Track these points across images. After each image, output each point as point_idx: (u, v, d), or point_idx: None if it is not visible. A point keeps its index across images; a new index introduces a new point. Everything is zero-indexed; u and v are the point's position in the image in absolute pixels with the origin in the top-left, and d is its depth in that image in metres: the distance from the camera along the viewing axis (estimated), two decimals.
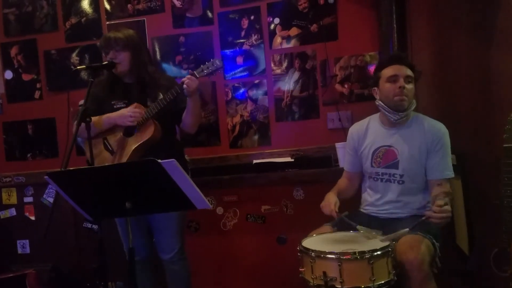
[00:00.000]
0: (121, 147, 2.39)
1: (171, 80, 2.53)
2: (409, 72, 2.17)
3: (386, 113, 2.21)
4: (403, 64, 2.18)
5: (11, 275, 3.05)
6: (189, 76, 2.29)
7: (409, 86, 2.16)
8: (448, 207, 1.90)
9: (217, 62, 2.31)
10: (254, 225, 3.08)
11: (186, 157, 2.92)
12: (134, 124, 2.33)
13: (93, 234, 3.21)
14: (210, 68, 2.31)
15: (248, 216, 3.08)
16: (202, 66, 2.33)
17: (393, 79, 2.16)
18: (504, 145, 1.89)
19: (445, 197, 2.03)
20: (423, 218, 1.94)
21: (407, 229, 1.96)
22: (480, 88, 2.45)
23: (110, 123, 2.38)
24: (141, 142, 2.33)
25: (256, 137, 3.14)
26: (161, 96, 2.33)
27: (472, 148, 2.49)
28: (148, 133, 2.33)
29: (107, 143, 2.42)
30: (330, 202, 2.14)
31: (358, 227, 2.06)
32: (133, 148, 2.34)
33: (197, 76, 2.30)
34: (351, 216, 2.36)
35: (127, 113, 2.32)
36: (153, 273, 2.62)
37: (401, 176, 2.21)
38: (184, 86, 2.27)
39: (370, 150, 2.29)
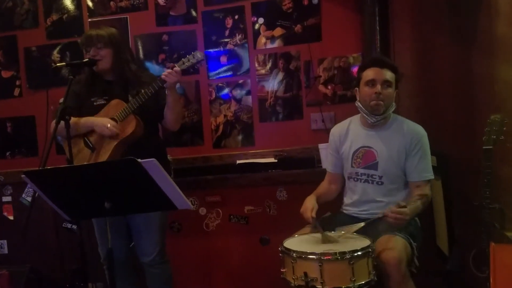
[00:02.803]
0: (102, 143, 2.35)
1: (153, 77, 2.50)
2: (388, 76, 2.17)
3: (364, 115, 2.24)
4: (384, 67, 2.18)
5: None
6: (169, 70, 2.26)
7: (387, 91, 2.17)
8: (405, 210, 1.92)
9: (198, 55, 2.30)
10: (237, 225, 3.06)
11: (169, 157, 2.89)
12: (107, 132, 2.29)
13: (73, 235, 3.15)
14: (191, 61, 2.30)
15: (231, 216, 3.07)
16: (183, 59, 2.32)
17: (371, 83, 2.17)
18: (484, 147, 1.91)
19: (417, 200, 2.08)
20: (379, 215, 1.97)
21: (363, 223, 2.04)
22: (461, 91, 2.48)
23: (87, 127, 2.35)
24: (123, 138, 2.30)
25: (239, 137, 3.13)
26: (142, 91, 2.30)
27: (453, 150, 2.52)
28: (129, 129, 2.29)
29: (87, 140, 2.38)
30: (307, 208, 2.15)
31: (323, 233, 2.07)
32: (115, 144, 2.30)
33: (179, 68, 2.27)
34: (332, 217, 2.37)
35: (108, 125, 2.27)
36: (132, 275, 2.58)
37: (380, 177, 2.22)
38: (164, 78, 2.25)
39: (351, 151, 2.30)
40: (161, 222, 2.45)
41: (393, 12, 2.86)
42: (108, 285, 1.97)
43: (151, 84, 2.28)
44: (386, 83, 2.17)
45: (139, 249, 2.45)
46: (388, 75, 2.17)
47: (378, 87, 2.15)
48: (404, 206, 1.94)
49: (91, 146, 2.36)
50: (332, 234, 2.07)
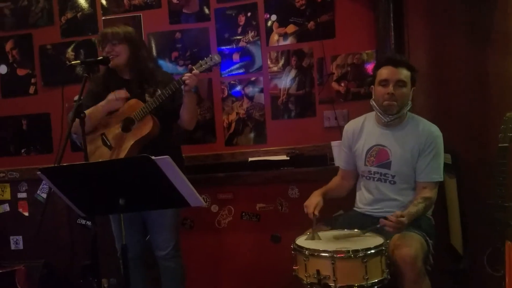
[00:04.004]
0: (119, 142, 2.38)
1: (168, 75, 2.52)
2: (402, 75, 2.14)
3: (378, 114, 2.23)
4: (398, 66, 2.15)
5: (0, 271, 3.02)
6: (189, 74, 2.28)
7: (401, 91, 2.14)
8: (403, 219, 1.90)
9: (216, 58, 2.31)
10: (248, 223, 3.07)
11: None
12: (120, 104, 2.35)
13: (87, 231, 3.19)
14: (208, 63, 2.32)
15: (243, 214, 3.08)
16: (200, 61, 2.33)
17: (384, 83, 2.15)
18: (499, 145, 1.89)
19: (419, 203, 2.06)
20: (378, 226, 1.96)
21: (358, 230, 2.03)
22: (476, 88, 2.45)
23: (104, 111, 2.39)
24: (140, 137, 2.33)
25: (251, 135, 3.13)
26: (159, 92, 2.33)
27: (467, 148, 2.49)
28: (146, 128, 2.33)
29: (105, 139, 2.42)
30: (312, 203, 2.14)
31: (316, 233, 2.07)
32: (131, 143, 2.33)
33: (198, 71, 2.30)
34: (345, 215, 2.37)
35: (111, 98, 2.34)
36: (146, 270, 2.61)
37: (393, 176, 2.21)
38: (187, 82, 2.26)
39: (364, 149, 2.29)
40: (175, 217, 2.49)
41: (407, 9, 2.83)
42: (122, 280, 1.98)
43: (168, 85, 2.30)
44: (399, 83, 2.14)
45: (154, 243, 2.49)
46: (403, 74, 2.14)
47: (391, 87, 2.13)
48: (402, 216, 1.92)
49: (108, 144, 2.40)
50: (325, 234, 2.08)
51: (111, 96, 2.36)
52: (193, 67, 2.31)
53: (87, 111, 2.22)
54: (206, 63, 2.31)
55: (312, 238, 2.03)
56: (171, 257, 2.48)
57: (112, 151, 2.39)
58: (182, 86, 2.30)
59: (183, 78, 2.28)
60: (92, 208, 1.89)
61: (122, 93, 2.36)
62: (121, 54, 2.37)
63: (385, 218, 1.91)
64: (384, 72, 2.16)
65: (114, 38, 2.36)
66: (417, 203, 2.07)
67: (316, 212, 2.09)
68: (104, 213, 2.37)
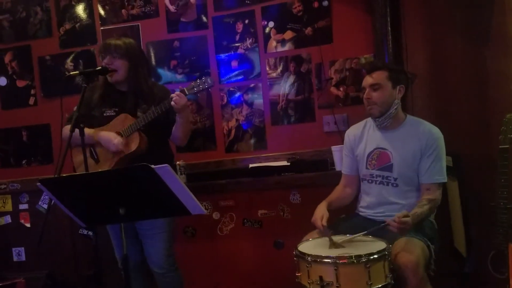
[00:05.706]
0: (106, 156, 2.38)
1: (165, 90, 2.48)
2: (374, 79, 2.20)
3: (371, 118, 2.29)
4: (372, 71, 2.23)
5: (0, 284, 3.01)
6: (177, 93, 2.26)
7: (376, 93, 2.19)
8: (407, 219, 1.89)
9: (209, 81, 2.30)
10: (251, 229, 3.06)
11: (182, 162, 2.91)
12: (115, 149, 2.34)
13: (89, 241, 3.18)
14: (201, 86, 2.30)
15: (245, 220, 3.07)
16: (193, 83, 2.32)
17: (363, 91, 2.25)
18: (500, 147, 1.88)
19: (424, 204, 2.06)
20: (383, 224, 1.95)
21: (365, 232, 1.99)
22: (475, 90, 2.45)
23: (94, 141, 2.38)
24: (125, 154, 2.32)
25: (252, 141, 3.13)
26: (152, 109, 2.30)
27: (468, 150, 2.48)
28: (133, 145, 2.32)
29: (92, 151, 2.41)
30: (317, 217, 2.15)
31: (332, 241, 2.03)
32: (116, 159, 2.34)
33: (187, 93, 2.28)
34: (347, 219, 2.36)
35: (114, 142, 2.31)
36: (146, 279, 2.59)
37: (395, 179, 2.21)
38: (172, 103, 2.24)
39: (365, 152, 2.30)
40: (167, 231, 2.45)
41: (405, 12, 2.84)
42: None
43: (159, 104, 2.28)
44: (373, 86, 2.20)
45: (149, 259, 2.47)
46: (375, 77, 2.20)
47: (366, 91, 2.22)
48: (407, 216, 1.91)
49: (95, 157, 2.39)
50: (341, 240, 2.04)
51: (115, 140, 2.31)
52: (184, 89, 2.29)
53: (87, 130, 2.21)
54: (198, 85, 2.30)
55: (333, 245, 1.99)
56: (166, 272, 2.46)
57: (97, 164, 2.38)
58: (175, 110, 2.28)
59: (172, 96, 2.25)
60: (93, 218, 1.89)
61: (122, 143, 2.31)
62: (120, 70, 2.35)
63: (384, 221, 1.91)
64: (363, 82, 2.26)
65: (116, 51, 2.34)
66: (422, 205, 2.07)
67: (324, 223, 2.10)
68: (104, 223, 2.36)
